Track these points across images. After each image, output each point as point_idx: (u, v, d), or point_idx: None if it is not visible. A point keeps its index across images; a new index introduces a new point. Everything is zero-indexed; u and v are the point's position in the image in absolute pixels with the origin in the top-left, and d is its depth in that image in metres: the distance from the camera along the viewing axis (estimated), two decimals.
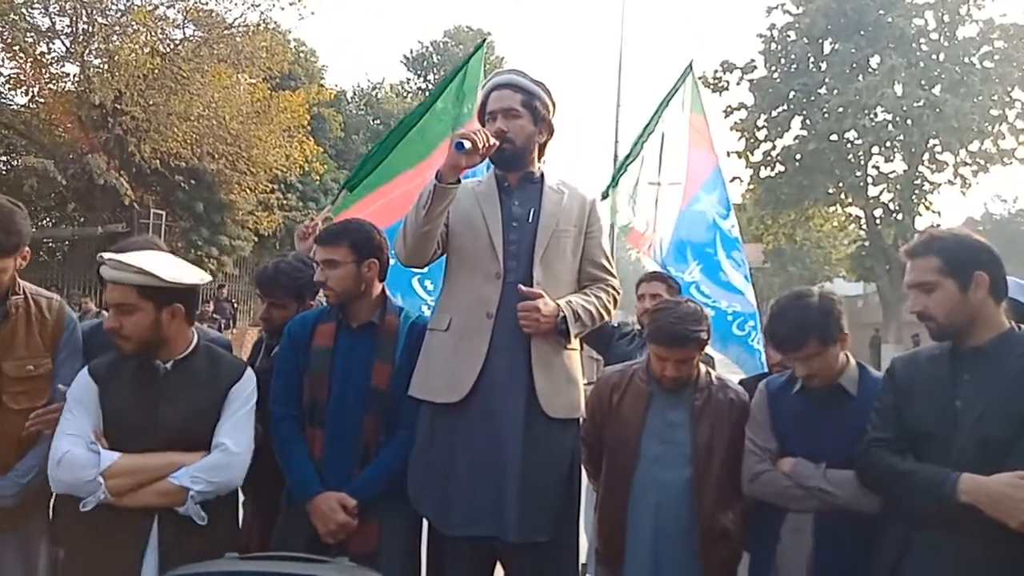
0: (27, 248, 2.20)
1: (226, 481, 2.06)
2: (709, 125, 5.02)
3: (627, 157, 4.75)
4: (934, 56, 21.93)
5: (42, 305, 2.25)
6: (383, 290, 2.50)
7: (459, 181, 2.26)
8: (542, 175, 2.48)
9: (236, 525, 2.23)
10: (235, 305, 17.21)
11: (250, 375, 2.22)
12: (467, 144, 2.16)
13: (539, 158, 2.52)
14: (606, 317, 2.50)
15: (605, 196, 4.81)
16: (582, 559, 2.65)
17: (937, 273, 1.93)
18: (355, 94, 29.05)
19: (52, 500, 2.34)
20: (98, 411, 2.04)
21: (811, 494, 2.13)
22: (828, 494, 2.10)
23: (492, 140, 2.24)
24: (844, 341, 2.18)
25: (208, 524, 2.02)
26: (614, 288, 2.52)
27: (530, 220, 2.39)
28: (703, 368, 2.46)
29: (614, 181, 4.72)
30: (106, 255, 2.03)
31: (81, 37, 15.33)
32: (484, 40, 4.03)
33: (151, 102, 15.36)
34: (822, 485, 2.11)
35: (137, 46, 15.06)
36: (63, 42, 15.66)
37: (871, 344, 26.76)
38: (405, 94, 35.62)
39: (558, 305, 2.32)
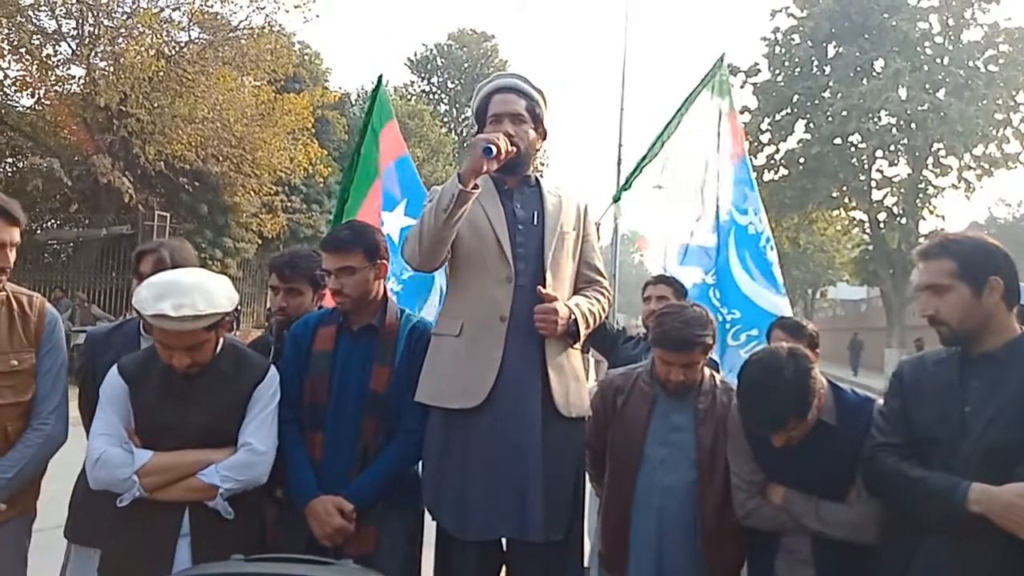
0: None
1: (253, 478, 2.14)
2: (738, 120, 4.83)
3: (643, 159, 4.63)
4: (938, 60, 21.92)
5: (23, 302, 2.28)
6: (385, 292, 2.50)
7: (478, 186, 2.25)
8: (537, 179, 2.51)
9: (263, 518, 2.28)
10: (238, 307, 17.21)
11: (274, 374, 2.28)
12: (494, 149, 2.16)
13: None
14: (601, 318, 2.53)
15: (617, 199, 4.77)
16: (584, 562, 2.64)
17: (951, 276, 1.90)
18: (359, 97, 29.05)
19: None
20: (129, 410, 2.14)
21: (808, 529, 2.14)
22: (824, 533, 2.11)
23: (511, 146, 2.25)
24: (821, 397, 2.09)
25: (237, 516, 2.11)
26: (607, 289, 2.57)
27: (535, 223, 2.41)
28: (707, 371, 2.46)
29: (627, 184, 4.66)
30: (171, 311, 1.98)
31: (87, 40, 15.36)
32: (380, 77, 4.62)
33: (156, 104, 15.39)
34: (819, 527, 2.11)
35: (142, 49, 15.07)
36: (69, 44, 15.70)
37: (850, 346, 27.02)
38: (409, 96, 35.67)
39: (568, 307, 2.34)
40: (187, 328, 2.04)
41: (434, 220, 2.22)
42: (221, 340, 2.24)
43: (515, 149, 2.28)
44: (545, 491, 2.23)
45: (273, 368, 2.29)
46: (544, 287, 2.33)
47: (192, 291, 2.05)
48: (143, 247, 2.48)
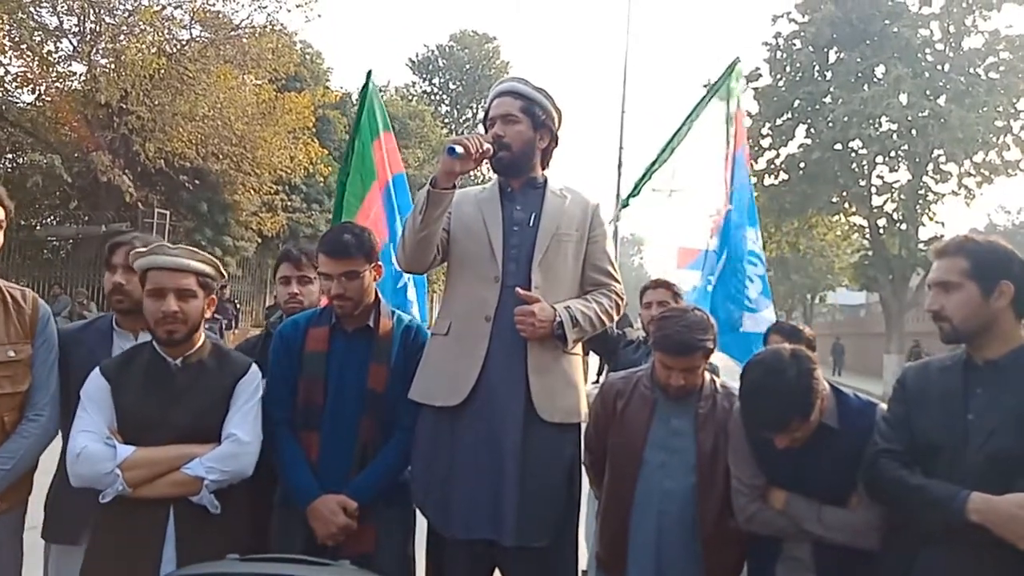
0: None
1: (238, 469, 2.11)
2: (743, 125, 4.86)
3: (652, 164, 4.61)
4: (939, 67, 21.91)
5: (16, 295, 2.30)
6: (377, 292, 2.50)
7: (454, 186, 2.26)
8: (545, 180, 2.48)
9: (249, 518, 2.24)
10: (237, 306, 17.22)
11: (255, 370, 2.27)
12: (459, 149, 2.17)
13: (544, 165, 2.51)
14: (608, 322, 2.49)
15: (626, 205, 4.77)
16: (583, 566, 2.63)
17: (962, 275, 1.90)
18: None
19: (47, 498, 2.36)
20: (112, 409, 2.12)
21: (809, 534, 2.12)
22: (826, 538, 2.10)
23: (486, 145, 2.25)
24: (823, 399, 2.08)
25: (222, 516, 2.08)
26: (617, 293, 2.51)
27: (531, 224, 2.39)
28: (707, 376, 2.45)
29: (636, 190, 4.65)
30: (172, 246, 2.18)
31: (88, 36, 15.37)
32: (369, 73, 4.47)
33: (157, 102, 15.39)
34: (820, 532, 2.10)
35: (144, 46, 15.08)
36: (70, 41, 15.70)
37: (833, 350, 27.33)
38: (410, 97, 35.69)
39: (555, 310, 2.31)
40: (181, 263, 2.12)
41: (412, 222, 2.28)
42: (204, 337, 2.23)
43: (490, 149, 2.27)
44: (521, 495, 2.21)
45: (255, 365, 2.28)
46: (530, 289, 2.31)
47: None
48: (117, 239, 2.50)
